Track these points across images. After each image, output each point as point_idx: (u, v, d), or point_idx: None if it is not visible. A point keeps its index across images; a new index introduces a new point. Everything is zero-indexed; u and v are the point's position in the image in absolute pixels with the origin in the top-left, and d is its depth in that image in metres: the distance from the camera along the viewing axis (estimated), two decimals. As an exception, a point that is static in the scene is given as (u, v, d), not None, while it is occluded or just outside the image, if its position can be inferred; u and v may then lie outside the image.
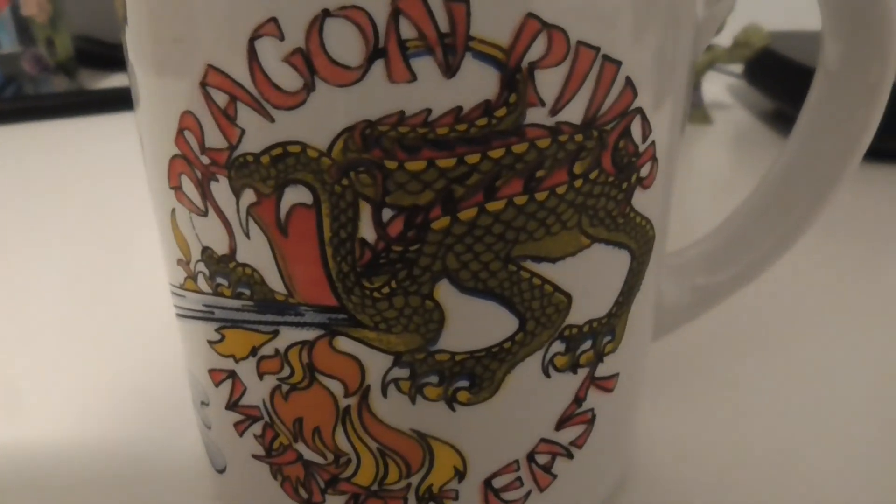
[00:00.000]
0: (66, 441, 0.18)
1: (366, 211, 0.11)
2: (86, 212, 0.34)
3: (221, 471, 0.15)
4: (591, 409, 0.13)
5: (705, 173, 0.41)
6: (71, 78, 0.53)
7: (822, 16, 0.16)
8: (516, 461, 0.13)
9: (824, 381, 0.21)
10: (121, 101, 0.49)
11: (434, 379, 0.12)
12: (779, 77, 0.46)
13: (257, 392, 0.13)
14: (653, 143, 0.12)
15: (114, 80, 0.56)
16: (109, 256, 0.29)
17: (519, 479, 0.13)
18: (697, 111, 0.48)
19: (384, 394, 0.12)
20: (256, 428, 0.13)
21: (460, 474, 0.13)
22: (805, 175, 0.17)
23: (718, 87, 0.57)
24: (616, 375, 0.14)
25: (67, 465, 0.17)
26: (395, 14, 0.10)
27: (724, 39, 0.48)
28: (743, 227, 0.17)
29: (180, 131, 0.11)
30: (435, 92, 0.10)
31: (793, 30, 0.50)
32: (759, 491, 0.17)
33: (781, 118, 0.48)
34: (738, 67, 0.53)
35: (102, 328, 0.24)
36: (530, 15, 0.10)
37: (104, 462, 0.18)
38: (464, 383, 0.12)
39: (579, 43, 0.10)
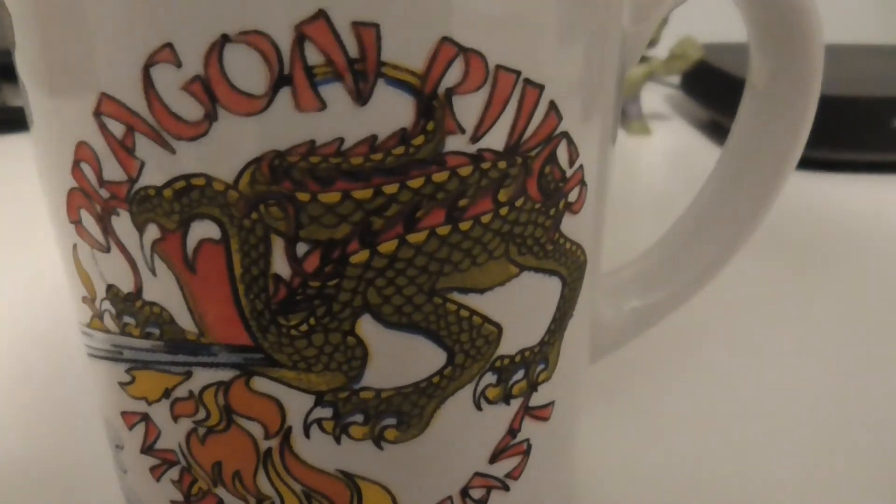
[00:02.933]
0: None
1: (279, 246, 0.10)
2: (5, 236, 0.32)
3: (140, 517, 0.14)
4: (527, 440, 0.13)
5: (645, 183, 0.41)
6: (-6, 93, 0.51)
7: (748, 34, 0.16)
8: (449, 497, 0.12)
9: (766, 395, 0.21)
10: (48, 116, 0.47)
11: (359, 418, 0.11)
12: (715, 88, 0.47)
13: (173, 435, 0.12)
14: (580, 166, 0.12)
15: (42, 95, 0.54)
16: (26, 287, 0.27)
17: (453, 516, 0.13)
18: (637, 122, 0.49)
19: (307, 435, 0.11)
20: (173, 472, 0.12)
21: (390, 515, 0.12)
22: (738, 191, 0.17)
23: (657, 98, 0.58)
24: (551, 403, 0.13)
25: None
26: (300, 39, 0.09)
27: (661, 51, 0.49)
28: (677, 246, 0.17)
29: (76, 163, 0.11)
30: (347, 120, 0.09)
31: (726, 42, 0.51)
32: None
33: (717, 128, 0.49)
34: (675, 79, 0.54)
35: (14, 363, 0.22)
36: (445, 38, 0.09)
37: (16, 509, 0.16)
38: (391, 421, 0.11)
39: (498, 67, 0.10)
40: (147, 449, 0.13)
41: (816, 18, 0.14)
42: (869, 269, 0.29)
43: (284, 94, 0.09)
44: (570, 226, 0.12)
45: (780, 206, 0.17)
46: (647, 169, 0.44)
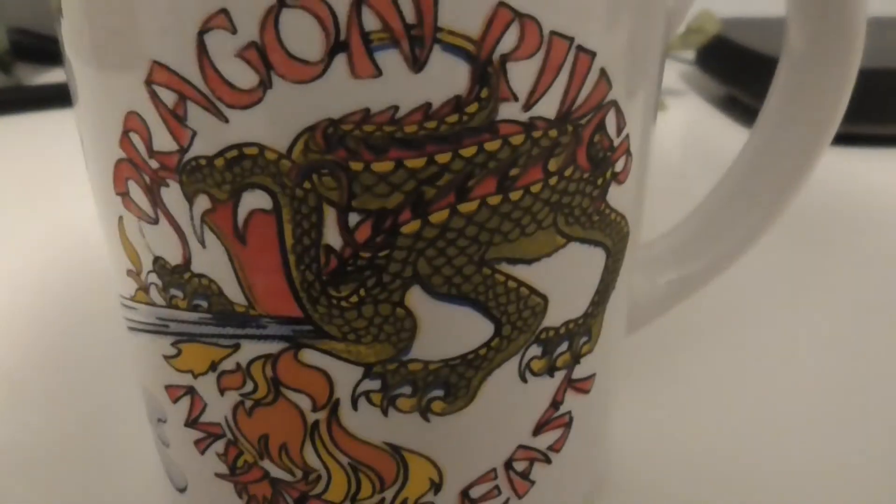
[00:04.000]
0: (16, 460, 0.17)
1: (330, 216, 0.10)
2: (24, 215, 0.32)
3: (182, 490, 0.14)
4: (569, 412, 0.13)
5: (660, 159, 0.41)
6: (7, 73, 0.51)
7: (787, 4, 0.15)
8: (494, 469, 0.12)
9: (798, 370, 0.21)
10: (60, 97, 0.46)
11: (407, 390, 0.11)
12: (730, 63, 0.47)
13: (219, 408, 0.12)
14: (627, 136, 0.12)
15: (53, 76, 0.54)
16: (51, 264, 0.28)
17: (497, 487, 0.13)
18: (653, 98, 0.48)
19: (354, 407, 0.11)
20: (219, 445, 0.12)
21: (436, 486, 0.12)
22: (773, 163, 0.16)
23: (672, 73, 0.57)
24: (593, 376, 0.13)
25: (18, 485, 0.16)
26: (358, 4, 0.09)
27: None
28: (712, 217, 0.17)
29: (125, 133, 0.10)
30: (402, 87, 0.09)
31: (744, 16, 0.50)
32: (739, 488, 0.16)
33: (733, 103, 0.48)
34: (690, 54, 0.54)
35: (47, 339, 0.22)
36: (502, 4, 0.09)
37: (56, 482, 0.17)
38: (438, 393, 0.11)
39: (552, 33, 0.10)
40: (192, 422, 0.13)
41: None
42: (893, 244, 0.29)
43: (340, 60, 0.09)
44: (616, 196, 0.12)
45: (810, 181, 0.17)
46: (663, 144, 0.43)
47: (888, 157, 0.39)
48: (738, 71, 0.45)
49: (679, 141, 0.45)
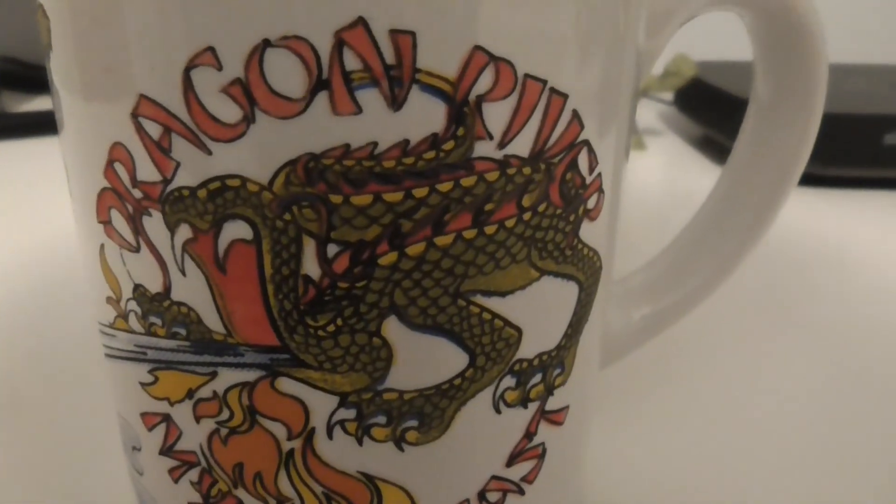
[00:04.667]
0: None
1: (310, 247, 0.10)
2: (4, 241, 0.32)
3: (155, 520, 0.14)
4: (542, 444, 0.13)
5: (639, 197, 0.41)
6: (-8, 100, 0.51)
7: (753, 52, 0.16)
8: (467, 500, 0.13)
9: (771, 404, 0.21)
10: (46, 124, 0.47)
11: (382, 419, 0.11)
12: (707, 105, 0.48)
13: (194, 436, 0.12)
14: (599, 174, 0.12)
15: (38, 103, 0.54)
16: (32, 290, 0.27)
17: (470, 518, 0.13)
18: (633, 137, 0.49)
19: (329, 436, 0.11)
20: (193, 474, 0.12)
21: (410, 516, 0.12)
22: (743, 201, 0.17)
23: (651, 114, 0.58)
24: (566, 408, 0.13)
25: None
26: (339, 45, 0.09)
27: (656, 68, 0.50)
28: (684, 254, 0.18)
29: (110, 163, 0.11)
30: (381, 125, 0.10)
31: (720, 60, 0.52)
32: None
33: (710, 144, 0.49)
34: (669, 95, 0.55)
35: (20, 367, 0.22)
36: (478, 47, 0.10)
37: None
38: (412, 423, 0.11)
39: (526, 76, 0.10)
40: (166, 450, 0.13)
41: (822, 39, 0.15)
42: (856, 282, 0.29)
43: (322, 98, 0.09)
44: (588, 232, 0.12)
45: (786, 221, 0.17)
46: (642, 183, 0.44)
47: (851, 197, 0.40)
48: (714, 112, 0.47)
49: (658, 179, 0.46)
